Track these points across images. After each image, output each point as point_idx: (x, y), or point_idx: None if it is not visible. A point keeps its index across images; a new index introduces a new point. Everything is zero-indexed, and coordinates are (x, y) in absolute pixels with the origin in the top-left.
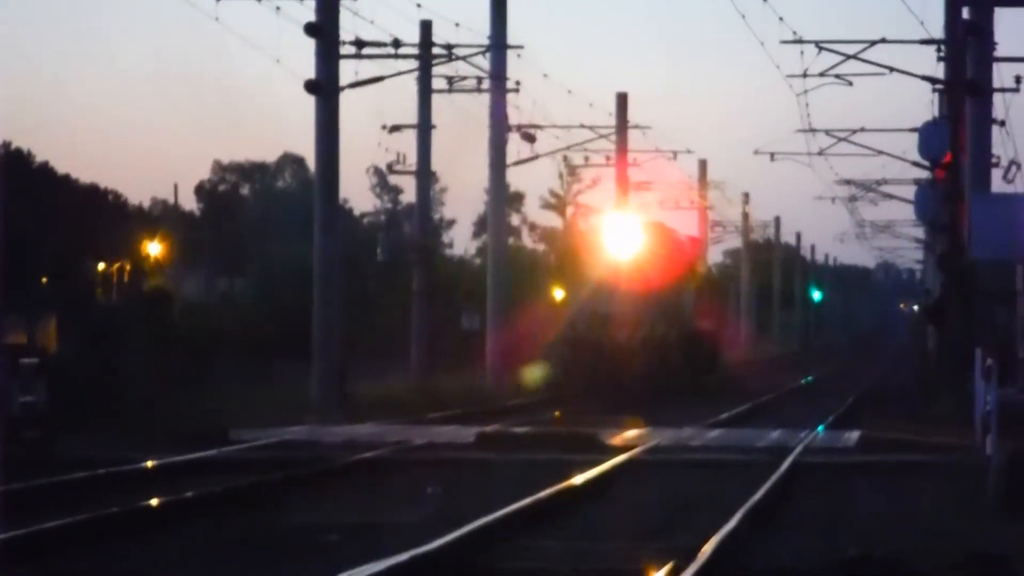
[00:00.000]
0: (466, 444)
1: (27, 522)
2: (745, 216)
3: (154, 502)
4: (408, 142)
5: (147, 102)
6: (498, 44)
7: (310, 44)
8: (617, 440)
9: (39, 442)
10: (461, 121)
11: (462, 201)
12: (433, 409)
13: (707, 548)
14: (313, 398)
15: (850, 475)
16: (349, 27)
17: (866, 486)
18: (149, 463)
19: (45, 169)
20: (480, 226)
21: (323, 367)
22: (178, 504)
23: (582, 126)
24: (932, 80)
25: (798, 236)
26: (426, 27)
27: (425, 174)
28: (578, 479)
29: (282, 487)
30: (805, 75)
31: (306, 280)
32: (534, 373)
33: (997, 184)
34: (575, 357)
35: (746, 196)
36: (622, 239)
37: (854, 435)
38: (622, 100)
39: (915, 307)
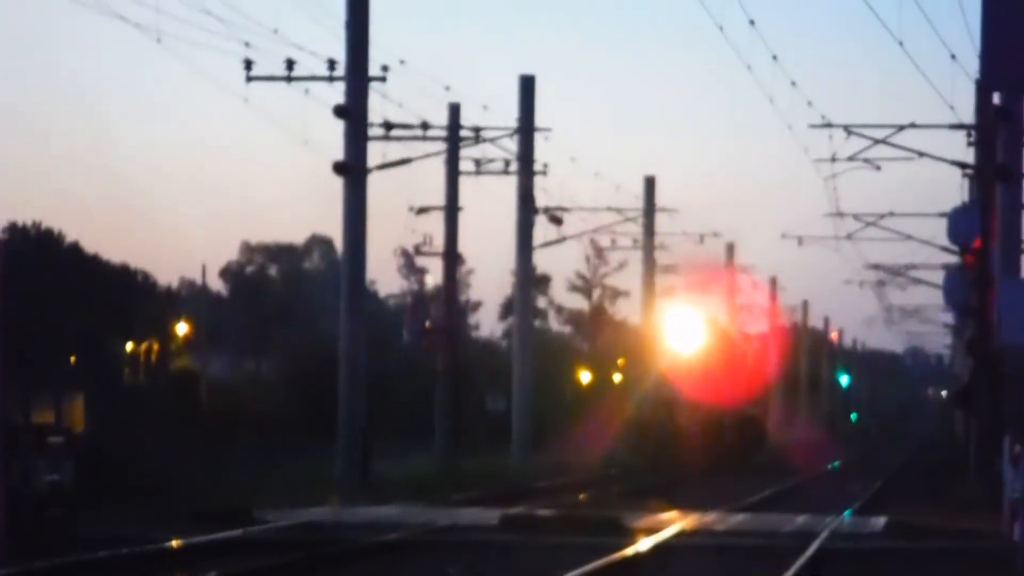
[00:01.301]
0: (490, 526)
1: None
2: (772, 300)
3: None
4: (435, 224)
5: (177, 183)
6: (525, 127)
7: (339, 125)
8: (642, 524)
9: (64, 520)
10: (488, 203)
11: (489, 283)
12: (457, 490)
13: None
14: (337, 478)
15: (877, 562)
16: (378, 109)
17: (893, 573)
18: (173, 543)
19: (75, 248)
20: (506, 308)
21: (347, 447)
22: None
23: (609, 208)
24: (962, 165)
25: (826, 320)
26: (454, 110)
27: (452, 256)
28: (600, 563)
29: (306, 568)
30: (833, 159)
31: (331, 360)
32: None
33: None
34: (643, 437)
35: (773, 280)
36: (684, 334)
37: (880, 520)
38: (649, 183)
39: (943, 392)
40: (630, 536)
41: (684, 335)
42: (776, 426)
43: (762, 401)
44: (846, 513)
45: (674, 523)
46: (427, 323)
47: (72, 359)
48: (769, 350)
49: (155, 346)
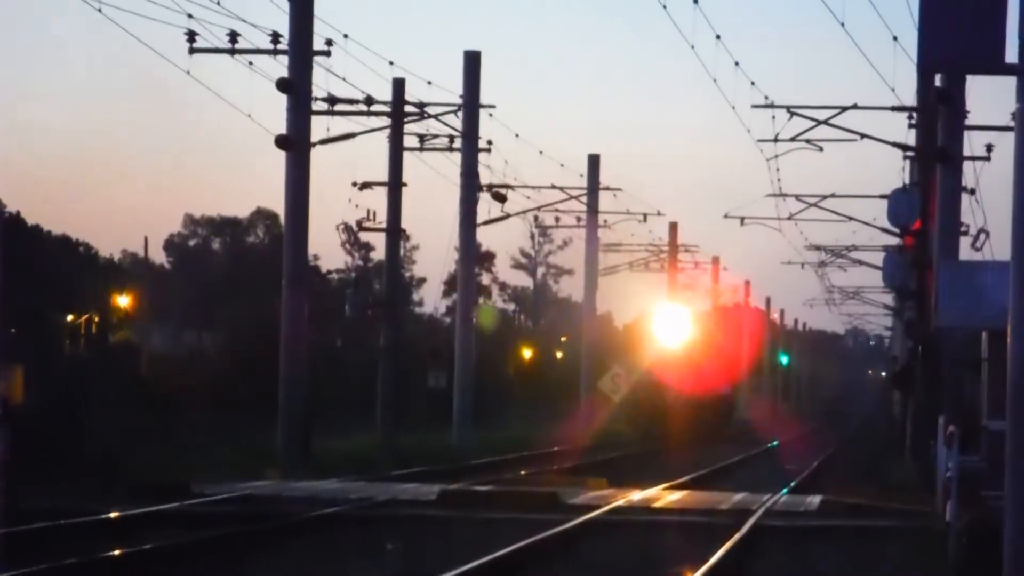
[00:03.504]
0: (428, 501)
1: None
2: (714, 280)
3: (114, 553)
4: (379, 199)
5: (120, 154)
6: (470, 103)
7: (282, 99)
8: (580, 500)
9: None
10: (432, 179)
11: (432, 260)
12: (398, 466)
13: None
14: (278, 453)
15: (811, 539)
16: (322, 83)
17: (827, 551)
18: (111, 515)
19: (15, 219)
20: (450, 285)
21: (288, 422)
22: (137, 556)
23: (553, 187)
24: (903, 147)
25: (767, 301)
26: (398, 85)
27: (395, 231)
28: (537, 537)
29: (243, 541)
30: (776, 140)
31: (274, 335)
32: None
33: (966, 252)
34: (637, 413)
35: (716, 260)
36: (670, 327)
37: (816, 499)
38: (593, 161)
39: (883, 373)
40: (569, 512)
41: (669, 328)
42: (744, 403)
43: (734, 382)
44: (783, 491)
45: (610, 500)
46: (370, 298)
47: (11, 331)
48: (742, 337)
49: (96, 318)
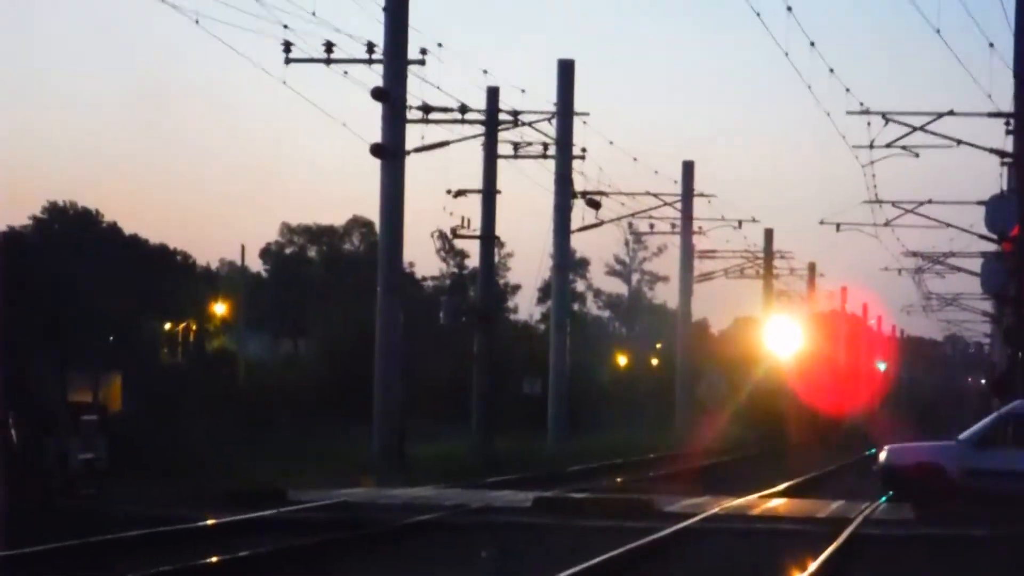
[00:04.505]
0: (523, 508)
1: None
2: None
3: (211, 560)
4: (473, 206)
5: (217, 164)
6: (564, 111)
7: (377, 108)
8: (675, 507)
9: (96, 499)
10: (527, 186)
11: (527, 267)
12: (492, 472)
13: None
14: (373, 459)
15: (910, 549)
16: (416, 92)
17: (925, 561)
18: (208, 522)
19: (113, 228)
20: (544, 292)
21: (383, 429)
22: (234, 564)
23: (647, 193)
24: (1000, 153)
25: (864, 308)
26: (492, 93)
27: (489, 239)
28: (631, 545)
29: (339, 548)
30: (872, 146)
31: (369, 343)
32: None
33: None
34: (753, 419)
35: (812, 267)
36: (784, 338)
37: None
38: (688, 168)
39: (982, 380)
40: (665, 520)
41: (786, 340)
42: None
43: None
44: (882, 499)
45: (706, 507)
46: (464, 306)
47: (110, 339)
48: (854, 347)
49: (193, 326)
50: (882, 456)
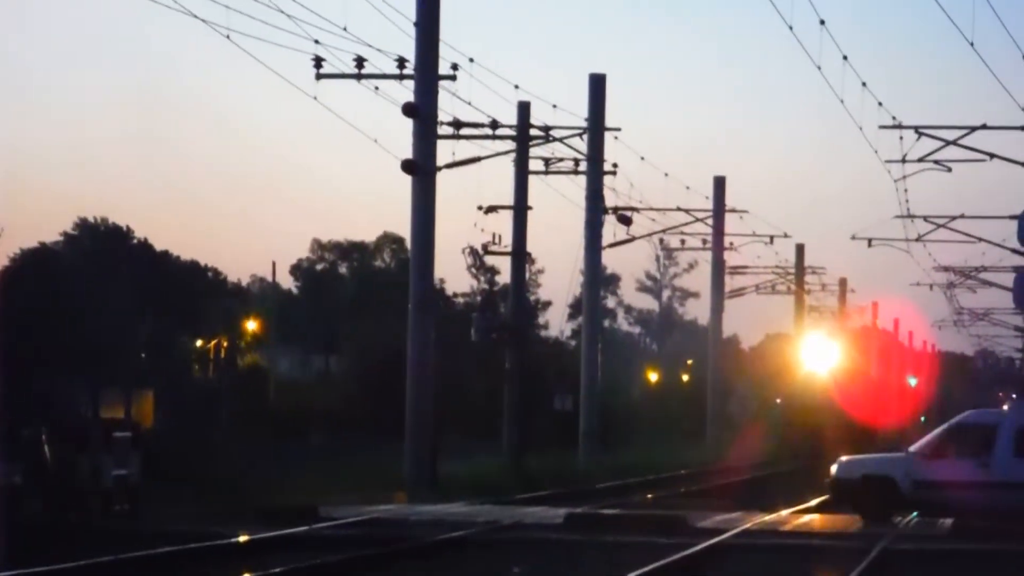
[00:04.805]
0: (555, 525)
1: None
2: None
3: None
4: (504, 223)
5: (247, 180)
6: (595, 126)
7: (408, 124)
8: (708, 523)
9: (129, 515)
10: (557, 202)
11: (558, 283)
12: (524, 489)
13: None
14: (404, 476)
15: (942, 564)
16: (447, 108)
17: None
18: (240, 538)
19: (144, 245)
20: (575, 308)
21: (415, 445)
22: None
23: (679, 209)
24: None
25: (895, 323)
26: (523, 108)
27: (520, 255)
28: (664, 561)
29: (371, 565)
30: (904, 160)
31: (400, 359)
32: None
33: None
34: (787, 434)
35: (843, 282)
36: (819, 354)
37: (947, 523)
38: (719, 183)
39: (1013, 396)
40: (697, 535)
41: (822, 357)
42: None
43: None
44: (914, 513)
45: (739, 523)
46: (495, 322)
47: (142, 356)
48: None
49: (224, 343)
50: (833, 469)
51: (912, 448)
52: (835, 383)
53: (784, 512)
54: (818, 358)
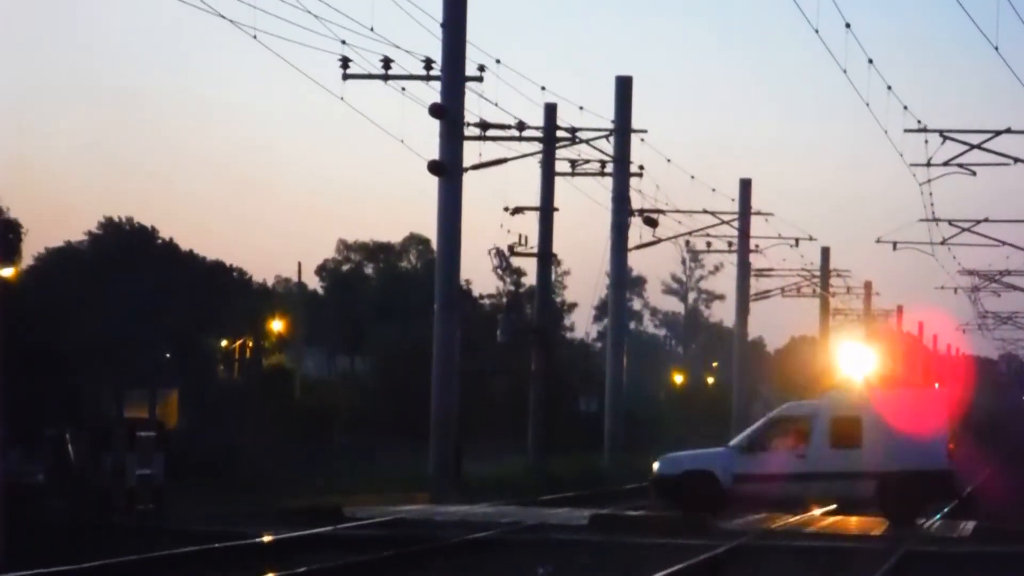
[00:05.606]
0: (580, 526)
1: None
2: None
3: None
4: (530, 224)
5: (275, 180)
6: (621, 128)
7: (435, 125)
8: (732, 525)
9: (153, 514)
10: (584, 204)
11: (583, 284)
12: (548, 491)
13: None
14: (429, 476)
15: (965, 567)
16: (474, 109)
17: None
18: (264, 538)
19: (169, 245)
20: (601, 310)
21: (439, 446)
22: None
23: (704, 211)
24: None
25: (920, 326)
26: (550, 110)
27: (546, 256)
28: (688, 563)
29: (395, 566)
30: (929, 164)
31: (426, 360)
32: None
33: None
34: None
35: (868, 285)
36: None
37: (969, 525)
38: (745, 186)
39: None
40: (719, 537)
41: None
42: None
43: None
44: (936, 516)
45: (762, 525)
46: (521, 324)
47: (167, 355)
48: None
49: (249, 343)
50: (655, 466)
51: (732, 442)
52: (873, 391)
53: (809, 514)
54: (854, 365)
